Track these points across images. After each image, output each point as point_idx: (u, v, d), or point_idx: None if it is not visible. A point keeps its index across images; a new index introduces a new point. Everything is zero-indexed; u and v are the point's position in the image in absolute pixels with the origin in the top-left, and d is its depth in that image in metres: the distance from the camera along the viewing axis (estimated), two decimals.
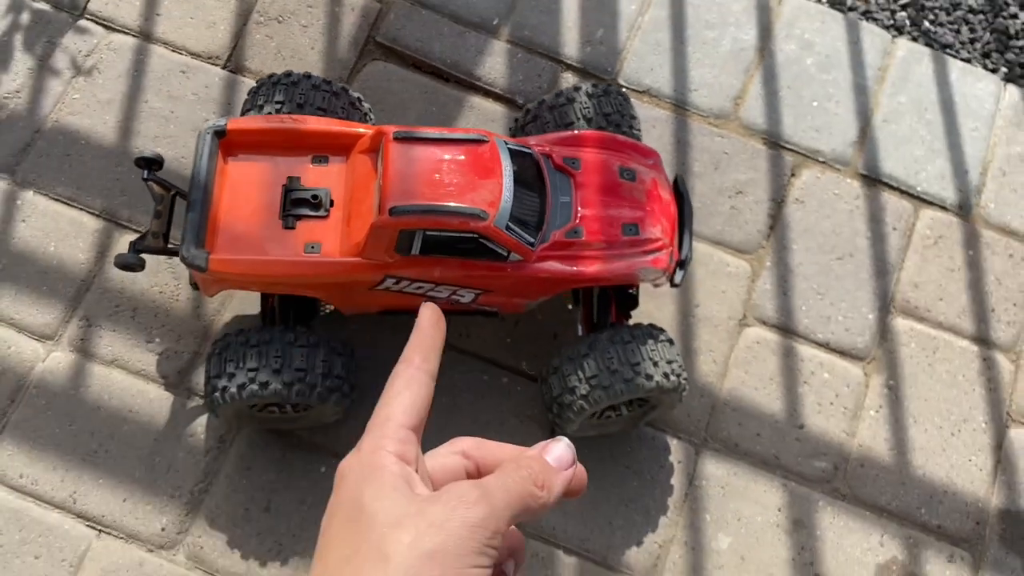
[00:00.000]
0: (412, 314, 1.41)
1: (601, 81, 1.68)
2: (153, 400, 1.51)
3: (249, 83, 1.73)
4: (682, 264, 1.37)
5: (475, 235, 1.25)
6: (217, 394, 1.32)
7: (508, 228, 1.26)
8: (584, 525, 1.46)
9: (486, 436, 1.52)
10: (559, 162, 1.36)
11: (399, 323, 1.61)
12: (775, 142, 1.74)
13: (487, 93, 1.75)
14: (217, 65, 1.74)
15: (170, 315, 1.56)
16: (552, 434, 1.51)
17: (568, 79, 1.76)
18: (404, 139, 1.28)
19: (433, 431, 1.61)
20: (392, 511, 0.45)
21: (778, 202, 1.70)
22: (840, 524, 1.48)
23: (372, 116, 1.54)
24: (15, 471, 1.46)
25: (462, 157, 1.28)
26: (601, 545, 1.45)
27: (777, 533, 1.47)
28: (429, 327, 0.54)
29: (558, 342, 1.56)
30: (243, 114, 1.49)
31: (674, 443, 1.52)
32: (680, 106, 1.76)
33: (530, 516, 0.48)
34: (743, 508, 1.49)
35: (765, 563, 1.45)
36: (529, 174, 1.33)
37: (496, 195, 1.26)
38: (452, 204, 1.24)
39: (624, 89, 1.68)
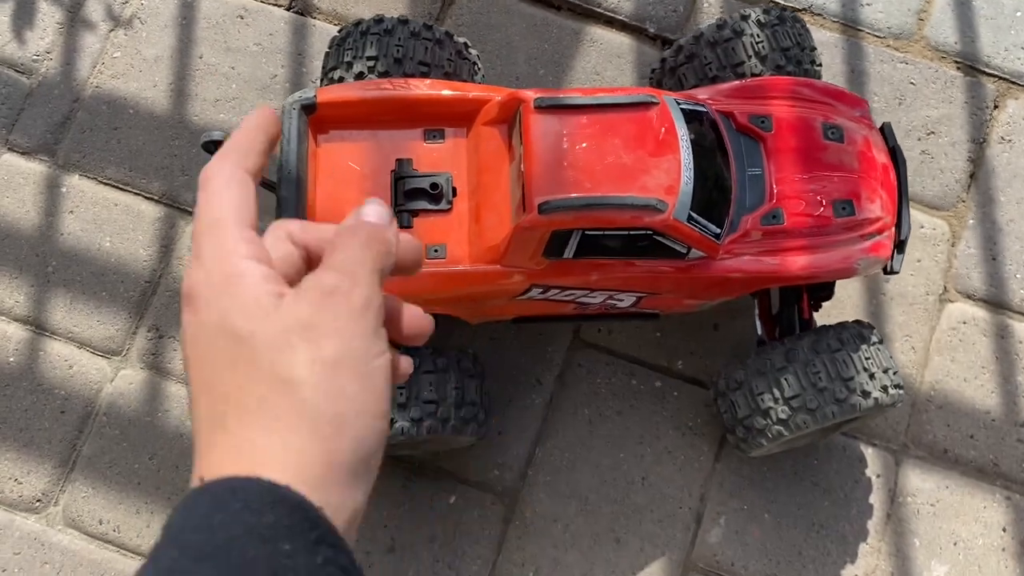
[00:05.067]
0: (553, 321, 1.14)
1: (765, 2, 1.34)
2: None
3: (321, 27, 1.42)
4: (900, 246, 1.08)
5: (649, 231, 0.97)
6: None
7: (690, 219, 0.97)
8: (769, 558, 1.22)
9: (642, 451, 1.24)
10: (743, 122, 1.06)
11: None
12: (971, 66, 1.40)
13: (609, 22, 1.43)
14: (280, 6, 1.44)
15: None
16: (720, 449, 1.25)
17: None
18: (548, 108, 0.98)
19: (579, 448, 1.32)
20: (270, 330, 0.40)
21: (979, 143, 1.37)
22: None
23: (480, 66, 1.24)
24: (92, 516, 1.24)
25: (626, 128, 0.98)
26: None
27: (1003, 558, 1.22)
28: (250, 128, 0.47)
29: (722, 336, 1.29)
30: (326, 73, 1.19)
31: (869, 452, 1.25)
32: (850, 26, 1.42)
33: (388, 275, 0.44)
34: (959, 529, 1.23)
35: None
36: (706, 141, 1.03)
37: (674, 177, 0.97)
38: (620, 195, 0.95)
39: (796, 11, 1.33)
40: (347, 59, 1.16)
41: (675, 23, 1.42)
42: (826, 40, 1.41)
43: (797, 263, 1.02)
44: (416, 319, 0.47)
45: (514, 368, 1.28)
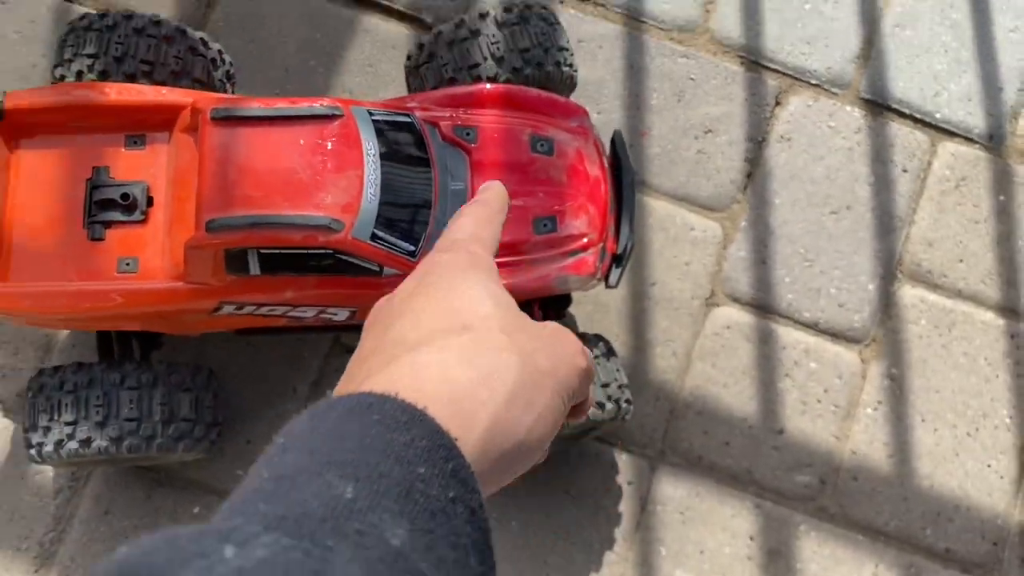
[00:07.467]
0: (276, 333, 1.11)
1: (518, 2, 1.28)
2: None
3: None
4: (619, 259, 1.05)
5: (329, 251, 0.94)
6: (33, 451, 1.05)
7: (374, 237, 0.94)
8: (512, 566, 1.21)
9: None
10: (449, 133, 1.02)
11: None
12: (755, 61, 1.36)
13: (387, 11, 1.37)
14: None
15: (2, 322, 1.27)
16: None
17: None
18: (225, 119, 0.94)
19: None
20: (508, 301, 0.43)
21: (758, 142, 1.34)
22: (826, 553, 1.22)
23: (227, 58, 1.19)
24: None
25: (307, 142, 0.94)
26: None
27: (748, 567, 1.22)
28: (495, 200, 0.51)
29: None
30: (55, 71, 1.14)
31: (624, 459, 1.24)
32: (634, 17, 1.37)
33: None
34: (707, 538, 1.22)
35: None
36: (408, 152, 0.99)
37: (354, 194, 0.93)
38: (289, 214, 0.91)
39: (547, 8, 1.27)
40: (67, 56, 1.11)
41: (453, 12, 1.37)
42: (608, 33, 1.36)
43: None
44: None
45: (271, 376, 1.25)
